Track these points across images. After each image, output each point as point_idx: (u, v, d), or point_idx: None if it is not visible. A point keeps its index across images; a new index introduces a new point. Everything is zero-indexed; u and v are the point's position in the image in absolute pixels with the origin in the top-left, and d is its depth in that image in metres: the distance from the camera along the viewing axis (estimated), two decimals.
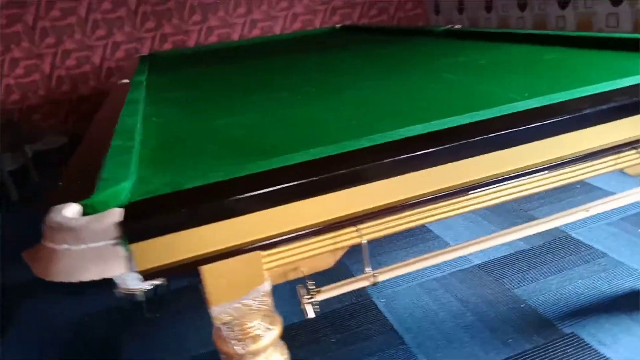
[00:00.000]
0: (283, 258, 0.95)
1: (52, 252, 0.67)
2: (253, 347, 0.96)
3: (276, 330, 0.99)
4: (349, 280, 0.98)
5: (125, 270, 0.70)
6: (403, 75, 1.54)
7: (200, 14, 4.62)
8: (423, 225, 1.98)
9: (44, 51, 4.35)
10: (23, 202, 3.39)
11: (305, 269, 1.01)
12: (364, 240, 0.95)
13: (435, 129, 0.82)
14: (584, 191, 2.32)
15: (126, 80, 2.10)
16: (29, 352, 1.73)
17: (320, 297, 0.97)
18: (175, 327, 1.74)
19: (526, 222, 1.06)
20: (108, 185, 0.79)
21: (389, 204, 0.86)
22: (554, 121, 0.83)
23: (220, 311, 0.90)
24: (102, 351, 1.68)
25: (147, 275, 0.73)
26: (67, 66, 4.44)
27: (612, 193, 2.24)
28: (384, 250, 2.02)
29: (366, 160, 0.77)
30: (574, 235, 1.97)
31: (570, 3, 3.56)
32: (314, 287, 0.99)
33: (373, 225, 0.98)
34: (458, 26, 2.39)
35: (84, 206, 0.74)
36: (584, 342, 1.41)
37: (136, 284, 0.77)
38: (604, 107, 0.88)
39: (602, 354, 1.36)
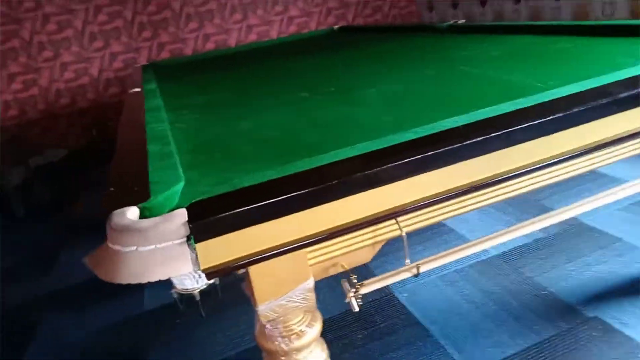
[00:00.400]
0: (326, 254, 0.97)
1: (120, 254, 0.69)
2: (297, 343, 0.98)
3: (318, 326, 1.01)
4: (392, 272, 1.01)
5: (191, 269, 0.72)
6: (422, 71, 1.56)
7: (196, 21, 4.64)
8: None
9: (42, 65, 4.35)
10: (28, 218, 3.37)
11: (346, 264, 1.04)
12: (403, 232, 0.98)
13: (480, 118, 0.84)
14: (591, 179, 2.36)
15: (138, 89, 2.12)
16: None
17: (364, 290, 1.00)
18: (197, 331, 1.75)
19: (539, 211, 1.10)
20: (163, 189, 0.81)
21: (432, 195, 0.89)
22: (592, 106, 0.85)
23: (266, 309, 0.92)
24: None
25: (208, 273, 0.75)
26: (66, 79, 4.44)
27: (618, 179, 2.30)
28: (401, 245, 2.04)
29: (424, 151, 0.79)
30: (587, 222, 2.01)
31: None
32: (356, 281, 1.01)
33: (411, 218, 1.01)
34: (462, 21, 2.43)
35: (142, 209, 0.77)
36: (608, 324, 1.44)
37: (193, 284, 0.79)
38: (633, 92, 0.91)
39: (627, 335, 1.39)
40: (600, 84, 0.94)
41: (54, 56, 4.35)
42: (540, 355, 1.37)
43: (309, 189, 0.76)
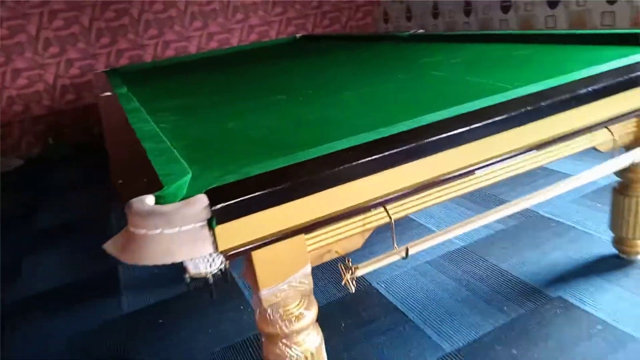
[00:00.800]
0: (322, 240, 1.04)
1: (145, 237, 0.73)
2: (297, 325, 1.03)
3: (315, 310, 1.08)
4: (383, 255, 1.09)
5: (212, 250, 0.77)
6: (391, 75, 1.67)
7: (156, 28, 4.60)
8: (406, 216, 2.11)
9: None
10: None
11: (340, 250, 1.11)
12: (392, 219, 1.07)
13: (452, 114, 0.94)
14: (544, 175, 2.55)
15: (109, 93, 2.11)
16: None
17: (359, 273, 1.07)
18: (183, 331, 1.76)
19: (498, 205, 1.21)
20: (174, 180, 0.85)
21: (415, 184, 0.97)
22: (554, 102, 0.97)
23: (269, 293, 0.98)
24: None
25: (226, 255, 0.80)
26: (18, 86, 4.29)
27: (568, 174, 2.50)
28: (376, 240, 2.13)
29: (409, 142, 0.88)
30: (542, 213, 2.17)
31: (560, 2, 3.46)
32: (351, 264, 1.08)
33: (398, 206, 1.10)
34: (421, 31, 2.58)
35: (157, 198, 0.81)
36: (569, 302, 1.58)
37: (206, 268, 0.84)
38: (588, 89, 1.04)
39: (586, 311, 1.54)
40: (545, 88, 1.06)
41: (5, 61, 4.19)
42: (512, 332, 1.49)
43: (310, 177, 0.82)
